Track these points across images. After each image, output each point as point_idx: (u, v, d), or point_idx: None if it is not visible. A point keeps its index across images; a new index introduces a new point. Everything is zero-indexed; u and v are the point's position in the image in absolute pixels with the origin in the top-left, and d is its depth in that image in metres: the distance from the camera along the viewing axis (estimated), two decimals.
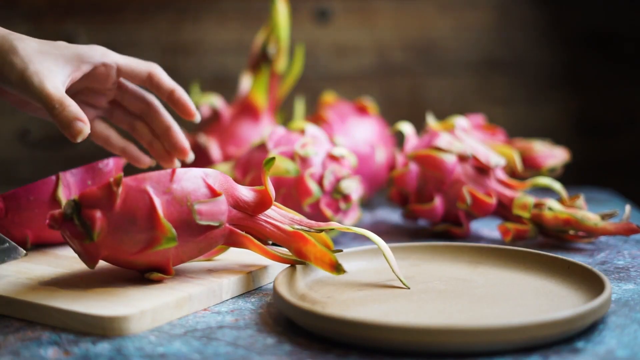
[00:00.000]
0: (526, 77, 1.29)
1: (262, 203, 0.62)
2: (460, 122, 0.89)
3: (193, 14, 1.25)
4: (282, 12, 0.96)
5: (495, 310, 0.55)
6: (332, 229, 0.62)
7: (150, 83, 0.71)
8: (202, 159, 0.95)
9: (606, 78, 1.29)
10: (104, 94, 0.72)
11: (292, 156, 0.77)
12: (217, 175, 0.61)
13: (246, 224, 0.62)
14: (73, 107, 0.62)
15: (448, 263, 0.67)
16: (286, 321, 0.56)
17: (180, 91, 0.71)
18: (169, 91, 0.71)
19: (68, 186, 0.70)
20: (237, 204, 0.61)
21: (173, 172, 0.59)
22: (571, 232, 0.75)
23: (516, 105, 1.29)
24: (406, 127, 0.89)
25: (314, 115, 1.02)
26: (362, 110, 1.04)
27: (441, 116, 1.09)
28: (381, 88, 1.29)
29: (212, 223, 0.59)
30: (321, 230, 0.62)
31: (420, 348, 0.49)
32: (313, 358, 0.50)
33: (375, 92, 1.27)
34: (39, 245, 0.72)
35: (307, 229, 0.62)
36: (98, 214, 0.56)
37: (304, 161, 0.77)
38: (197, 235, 0.59)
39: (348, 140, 0.97)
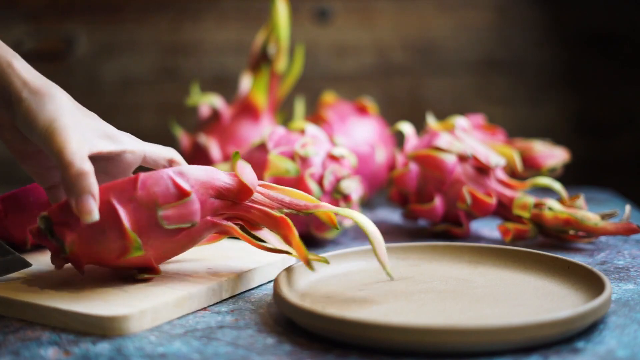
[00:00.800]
0: (526, 77, 1.29)
1: (243, 190, 0.60)
2: (460, 122, 0.89)
3: (193, 14, 1.25)
4: (282, 12, 0.96)
5: (495, 310, 0.55)
6: (324, 212, 0.61)
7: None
8: (202, 159, 0.95)
9: (606, 78, 1.29)
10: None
11: (292, 156, 0.78)
12: (192, 172, 0.59)
13: (234, 211, 0.61)
14: (91, 178, 0.56)
15: (448, 263, 0.67)
16: (286, 321, 0.56)
17: None
18: None
19: None
20: (220, 193, 0.60)
21: (136, 178, 0.57)
22: (571, 232, 0.75)
23: (516, 105, 1.29)
24: (406, 127, 0.89)
25: (314, 115, 1.02)
26: (362, 110, 1.04)
27: (441, 116, 1.09)
28: (381, 88, 1.29)
29: (182, 225, 0.58)
30: (309, 213, 0.61)
31: (420, 348, 0.49)
32: (313, 358, 0.50)
33: (375, 92, 1.27)
34: (39, 246, 0.72)
35: (295, 212, 0.61)
36: (67, 230, 0.57)
37: (304, 161, 0.77)
38: (174, 236, 0.58)
39: (348, 140, 0.97)
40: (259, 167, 0.78)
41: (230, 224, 0.61)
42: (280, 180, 0.77)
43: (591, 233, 0.74)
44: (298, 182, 0.76)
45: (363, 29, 1.29)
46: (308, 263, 0.59)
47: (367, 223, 0.59)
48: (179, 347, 0.52)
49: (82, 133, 0.58)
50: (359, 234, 0.85)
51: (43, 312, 0.56)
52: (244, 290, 0.64)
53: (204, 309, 0.59)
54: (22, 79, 0.60)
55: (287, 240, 0.60)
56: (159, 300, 0.56)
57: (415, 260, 0.67)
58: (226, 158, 0.94)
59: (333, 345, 0.51)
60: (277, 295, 0.56)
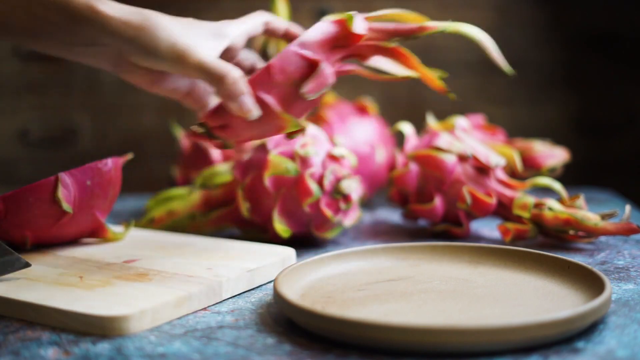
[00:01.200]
0: (526, 77, 1.29)
1: (353, 35, 0.64)
2: (460, 122, 0.89)
3: (193, 14, 1.24)
4: (282, 12, 0.96)
5: (495, 310, 0.55)
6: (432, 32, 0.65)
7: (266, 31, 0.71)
8: (202, 159, 0.95)
9: (606, 78, 1.29)
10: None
11: (292, 156, 0.77)
12: (310, 38, 0.63)
13: (348, 52, 0.65)
14: (242, 81, 0.61)
15: (448, 263, 0.67)
16: (286, 321, 0.56)
17: (293, 27, 0.72)
18: (284, 31, 0.71)
19: (67, 187, 0.70)
20: (335, 44, 0.64)
21: (268, 67, 0.62)
22: (571, 232, 0.75)
23: (516, 105, 1.29)
24: (406, 127, 0.89)
25: (314, 115, 1.02)
26: (362, 110, 1.04)
27: (441, 116, 1.09)
28: (381, 88, 1.29)
29: (322, 92, 0.64)
30: (417, 37, 0.65)
31: (420, 348, 0.49)
32: (313, 358, 0.50)
33: (375, 92, 1.27)
34: (39, 246, 0.72)
35: (404, 39, 0.65)
36: (226, 130, 0.65)
37: (304, 161, 0.77)
38: (314, 101, 0.65)
39: (348, 140, 0.97)
40: (259, 167, 0.78)
41: (353, 67, 0.66)
42: (280, 180, 0.77)
43: (591, 233, 0.74)
44: (298, 182, 0.76)
45: None
46: (440, 85, 0.65)
47: (472, 30, 0.64)
48: (179, 347, 0.52)
49: (202, 43, 0.63)
50: (359, 234, 0.85)
51: (43, 312, 0.56)
52: (244, 290, 0.64)
53: (204, 309, 0.59)
54: (118, 22, 0.62)
55: (408, 66, 0.65)
56: (159, 300, 0.56)
57: (415, 260, 0.67)
58: (226, 158, 0.94)
59: (333, 345, 0.51)
60: (277, 295, 0.56)
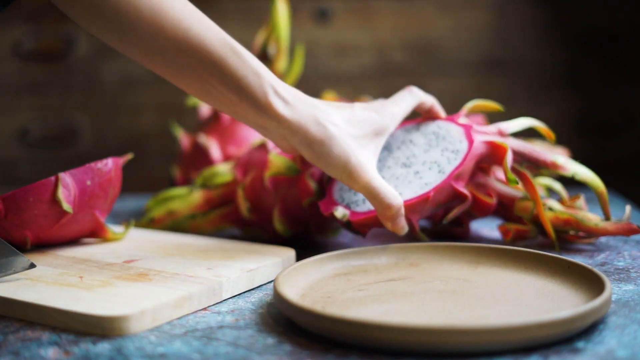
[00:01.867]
0: (526, 77, 1.29)
1: (499, 152, 0.70)
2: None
3: None
4: (282, 12, 0.96)
5: (495, 310, 0.55)
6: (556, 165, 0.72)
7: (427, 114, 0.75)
8: (202, 159, 0.95)
9: (606, 78, 1.29)
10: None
11: (292, 156, 0.77)
12: (469, 165, 0.69)
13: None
14: (402, 209, 0.67)
15: (448, 263, 0.67)
16: (286, 321, 0.56)
17: (436, 104, 0.75)
18: (428, 108, 0.75)
19: (67, 187, 0.70)
20: (483, 162, 0.72)
21: (427, 196, 0.67)
22: (571, 232, 0.75)
23: (516, 105, 1.29)
24: None
25: None
26: None
27: None
28: (381, 88, 1.29)
29: (458, 214, 0.72)
30: (543, 168, 0.74)
31: (420, 348, 0.48)
32: (313, 358, 0.50)
33: (375, 92, 1.27)
34: (39, 246, 0.72)
35: (534, 165, 0.73)
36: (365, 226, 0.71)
37: (305, 161, 0.77)
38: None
39: None
40: (260, 167, 0.78)
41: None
42: (280, 180, 0.77)
43: (591, 234, 0.74)
44: (298, 181, 0.76)
45: (363, 29, 1.29)
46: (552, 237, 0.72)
47: (595, 179, 0.73)
48: (179, 347, 0.52)
49: (369, 159, 0.67)
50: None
51: (43, 312, 0.56)
52: (244, 290, 0.64)
53: (204, 309, 0.59)
54: (296, 126, 0.65)
55: (529, 191, 0.72)
56: (159, 300, 0.56)
57: (415, 260, 0.67)
58: (226, 158, 0.94)
59: (333, 345, 0.51)
60: (277, 295, 0.56)
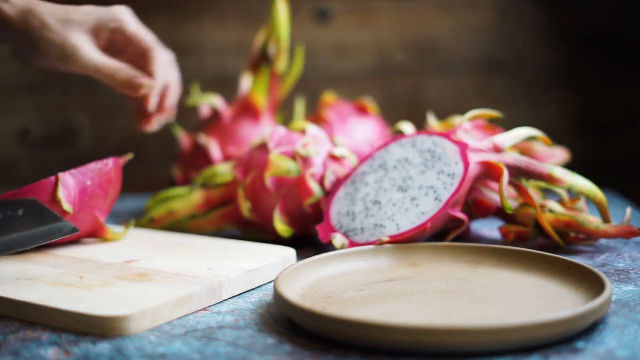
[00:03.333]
0: (526, 77, 1.29)
1: (495, 170, 0.71)
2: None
3: (193, 14, 1.25)
4: (282, 12, 0.96)
5: (495, 310, 0.55)
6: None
7: (143, 59, 0.75)
8: (202, 159, 0.95)
9: (606, 78, 1.29)
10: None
11: (293, 156, 0.77)
12: (464, 189, 0.70)
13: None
14: (125, 70, 0.69)
15: (448, 263, 0.67)
16: (286, 321, 0.56)
17: (171, 88, 0.76)
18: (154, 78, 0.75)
19: (67, 187, 0.70)
20: (480, 179, 0.72)
21: (424, 227, 0.68)
22: (572, 234, 0.75)
23: (516, 105, 1.29)
24: (406, 127, 0.88)
25: (314, 115, 1.02)
26: (362, 110, 1.04)
27: (441, 116, 1.09)
28: (381, 88, 1.29)
29: (458, 233, 0.73)
30: (540, 180, 0.73)
31: (420, 348, 0.49)
32: (313, 358, 0.50)
33: (375, 92, 1.27)
34: (39, 246, 0.72)
35: (530, 178, 0.72)
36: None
37: (305, 161, 0.77)
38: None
39: (348, 140, 0.97)
40: (260, 167, 0.78)
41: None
42: (281, 180, 0.77)
43: (592, 235, 0.74)
44: (299, 182, 0.76)
45: (363, 29, 1.29)
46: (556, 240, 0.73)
47: (594, 189, 0.73)
48: (179, 347, 0.52)
49: (86, 40, 0.70)
50: None
51: (43, 312, 0.56)
52: (244, 290, 0.64)
53: (204, 309, 0.59)
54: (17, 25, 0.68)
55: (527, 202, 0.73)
56: (159, 300, 0.56)
57: (415, 260, 0.67)
58: (226, 158, 0.94)
59: (333, 345, 0.51)
60: (277, 295, 0.56)
